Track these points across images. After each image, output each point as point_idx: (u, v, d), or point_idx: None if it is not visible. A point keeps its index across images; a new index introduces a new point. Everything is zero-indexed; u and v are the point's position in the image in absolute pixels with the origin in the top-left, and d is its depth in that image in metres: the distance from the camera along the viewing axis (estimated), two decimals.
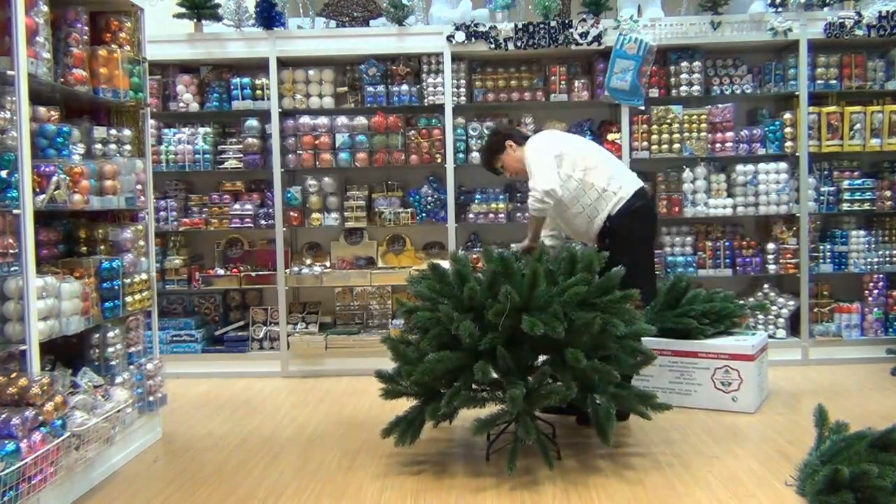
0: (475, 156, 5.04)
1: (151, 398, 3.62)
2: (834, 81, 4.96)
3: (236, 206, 5.11)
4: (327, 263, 5.27)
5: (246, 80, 5.08)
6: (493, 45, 4.88)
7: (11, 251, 2.70)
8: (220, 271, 5.16)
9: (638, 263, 3.54)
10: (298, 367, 4.99)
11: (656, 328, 3.81)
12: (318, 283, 5.08)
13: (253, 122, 5.09)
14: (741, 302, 4.30)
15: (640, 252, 3.71)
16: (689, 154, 4.99)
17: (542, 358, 3.23)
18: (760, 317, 4.98)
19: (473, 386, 3.15)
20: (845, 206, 4.94)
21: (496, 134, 3.97)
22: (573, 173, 3.67)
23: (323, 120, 5.05)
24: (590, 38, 4.86)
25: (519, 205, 5.12)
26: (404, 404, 3.33)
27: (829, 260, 4.98)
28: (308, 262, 5.26)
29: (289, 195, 5.05)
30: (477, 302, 3.05)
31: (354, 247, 5.35)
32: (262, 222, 5.09)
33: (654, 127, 4.98)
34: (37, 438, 2.62)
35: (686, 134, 4.97)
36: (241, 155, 5.10)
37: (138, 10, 3.64)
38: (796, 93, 4.89)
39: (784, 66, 4.98)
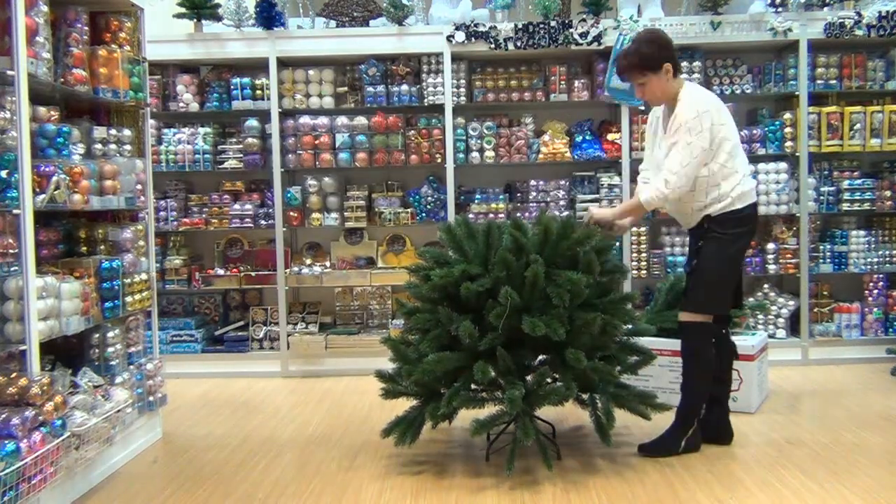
0: (475, 156, 5.04)
1: (151, 398, 3.62)
2: (834, 81, 4.96)
3: (236, 206, 5.11)
4: (327, 263, 5.27)
5: (246, 80, 5.08)
6: (492, 45, 4.88)
7: (11, 251, 2.70)
8: (220, 271, 5.16)
9: (723, 276, 3.25)
10: (298, 367, 4.99)
11: (656, 328, 3.81)
12: (318, 283, 5.08)
13: (253, 122, 5.09)
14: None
15: (733, 262, 3.29)
16: None
17: (540, 357, 3.23)
18: (760, 317, 4.98)
19: (473, 386, 3.16)
20: (845, 206, 4.94)
21: (661, 48, 3.20)
22: (719, 159, 3.18)
23: (323, 120, 5.05)
24: (590, 38, 4.86)
25: (519, 205, 5.12)
26: (404, 404, 3.33)
27: (829, 260, 4.98)
28: (308, 262, 5.26)
29: (289, 195, 5.05)
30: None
31: (354, 247, 5.35)
32: (262, 222, 5.09)
33: None
34: (37, 438, 2.62)
35: None
36: (241, 155, 5.10)
37: (138, 10, 3.64)
38: (796, 93, 4.89)
39: (784, 66, 4.98)
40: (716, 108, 3.19)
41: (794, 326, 5.00)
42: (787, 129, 4.94)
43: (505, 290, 2.95)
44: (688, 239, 4.94)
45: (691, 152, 3.11)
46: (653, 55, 3.19)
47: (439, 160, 5.00)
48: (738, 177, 3.22)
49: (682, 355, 3.30)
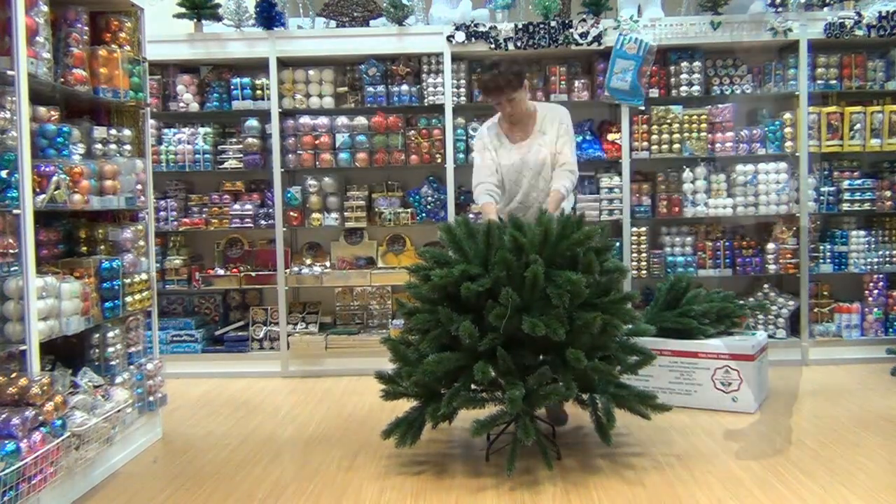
0: (475, 156, 5.02)
1: (151, 398, 3.62)
2: (834, 81, 4.96)
3: (236, 205, 5.11)
4: (327, 263, 5.27)
5: (246, 80, 5.08)
6: (493, 46, 4.88)
7: (11, 251, 2.70)
8: (220, 271, 5.16)
9: None
10: (298, 368, 4.99)
11: (656, 328, 3.81)
12: (318, 283, 5.08)
13: (253, 122, 5.09)
14: (741, 302, 4.30)
15: None
16: (689, 154, 4.99)
17: (541, 357, 3.23)
18: (760, 317, 4.98)
19: (473, 386, 3.16)
20: (845, 206, 4.95)
21: (520, 66, 3.62)
22: None
23: (323, 120, 5.05)
24: (590, 39, 4.86)
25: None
26: (404, 405, 3.33)
27: (828, 260, 4.98)
28: (308, 262, 5.26)
29: (289, 195, 5.05)
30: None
31: (354, 247, 5.35)
32: (262, 222, 5.09)
33: (654, 127, 4.98)
34: (37, 438, 2.62)
35: (686, 134, 4.97)
36: (241, 155, 5.10)
37: (138, 10, 3.64)
38: (796, 93, 4.89)
39: (784, 66, 4.98)
40: None
41: (794, 326, 5.00)
42: (787, 129, 4.95)
43: (506, 291, 2.95)
44: (688, 239, 5.05)
45: (574, 146, 3.72)
46: (522, 71, 3.59)
47: (439, 160, 5.00)
48: None
49: None
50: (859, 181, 4.96)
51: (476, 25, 4.88)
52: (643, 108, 4.96)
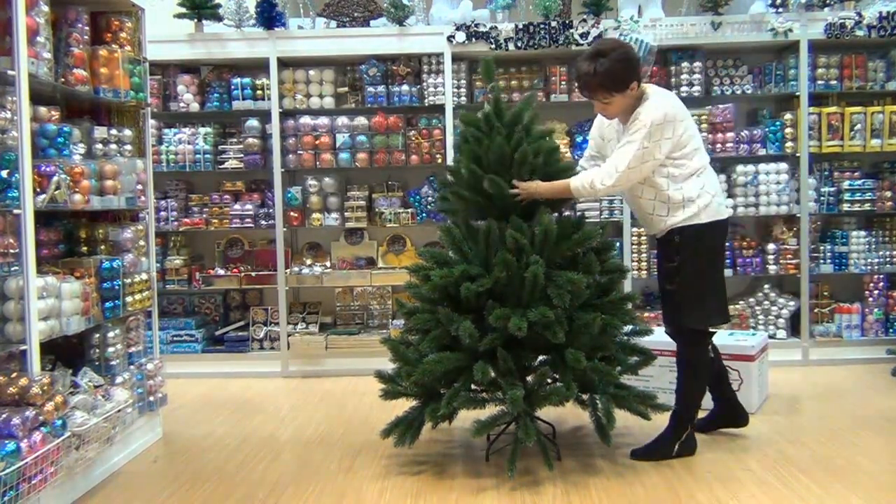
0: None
1: (151, 398, 3.62)
2: (834, 82, 4.96)
3: (236, 206, 5.11)
4: (328, 263, 5.27)
5: (246, 80, 5.08)
6: (493, 46, 4.88)
7: (12, 251, 2.70)
8: (221, 271, 5.16)
9: (705, 280, 3.14)
10: (298, 368, 4.99)
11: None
12: (319, 283, 5.09)
13: (253, 122, 5.09)
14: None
15: (707, 269, 3.17)
16: None
17: (541, 358, 3.23)
18: (761, 317, 4.98)
19: (473, 387, 3.16)
20: (845, 207, 4.94)
21: (631, 62, 3.02)
22: (673, 157, 3.05)
23: (323, 120, 5.05)
24: (590, 39, 4.86)
25: None
26: (404, 405, 3.33)
27: (829, 260, 4.98)
28: (308, 262, 5.26)
29: (289, 195, 5.05)
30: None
31: (355, 247, 5.35)
32: (263, 222, 5.09)
33: None
34: (37, 438, 2.62)
35: None
36: (242, 155, 5.10)
37: (139, 10, 3.64)
38: (797, 93, 4.89)
39: (784, 66, 4.98)
40: (672, 123, 3.01)
41: (794, 327, 5.00)
42: (788, 130, 4.94)
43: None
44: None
45: (642, 157, 2.99)
46: (629, 76, 3.02)
47: (440, 160, 5.00)
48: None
49: (678, 362, 3.29)
50: (860, 182, 4.96)
51: (476, 26, 4.88)
52: None
